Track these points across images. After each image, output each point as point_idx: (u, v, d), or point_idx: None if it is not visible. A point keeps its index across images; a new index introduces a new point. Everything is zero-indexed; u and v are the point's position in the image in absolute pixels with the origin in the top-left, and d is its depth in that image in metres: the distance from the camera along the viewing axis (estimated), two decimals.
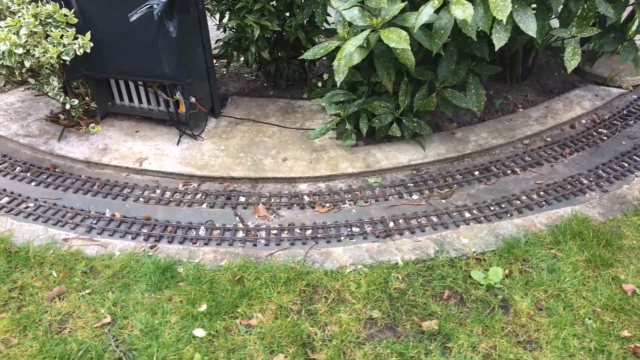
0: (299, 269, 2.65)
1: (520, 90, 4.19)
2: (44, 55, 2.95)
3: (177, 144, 3.54)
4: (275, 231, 2.96)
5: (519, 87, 4.21)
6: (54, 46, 2.95)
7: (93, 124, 3.46)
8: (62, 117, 3.84)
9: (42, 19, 2.95)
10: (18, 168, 3.44)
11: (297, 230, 2.96)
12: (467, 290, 2.53)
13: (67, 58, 3.01)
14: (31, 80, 3.27)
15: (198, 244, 2.89)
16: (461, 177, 3.32)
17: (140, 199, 3.21)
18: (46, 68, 3.19)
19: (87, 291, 2.56)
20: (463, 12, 2.43)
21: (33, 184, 3.32)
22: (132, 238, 2.91)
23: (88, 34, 3.01)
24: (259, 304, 2.48)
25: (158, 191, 3.27)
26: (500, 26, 2.53)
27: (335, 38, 3.28)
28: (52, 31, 2.97)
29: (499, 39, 2.54)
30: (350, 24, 3.15)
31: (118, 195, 3.22)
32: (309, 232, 2.95)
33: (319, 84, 3.99)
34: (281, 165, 3.37)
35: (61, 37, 2.99)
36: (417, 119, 3.38)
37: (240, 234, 2.94)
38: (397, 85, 3.25)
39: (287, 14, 3.71)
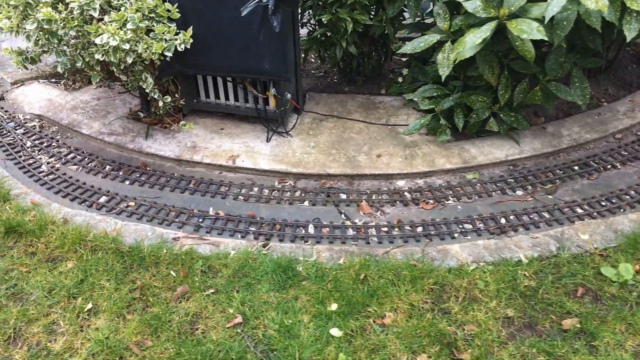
0: (421, 267, 2.60)
1: (599, 84, 4.12)
2: (146, 51, 2.90)
3: (268, 141, 3.49)
4: (385, 228, 2.91)
5: (597, 80, 4.14)
6: (158, 42, 2.90)
7: (184, 122, 3.41)
8: (142, 114, 3.79)
9: (145, 13, 2.90)
10: (108, 166, 3.40)
11: (408, 228, 2.91)
12: (601, 287, 2.47)
13: (169, 54, 2.96)
14: (123, 77, 3.22)
15: (310, 242, 2.84)
16: (562, 172, 3.26)
17: (240, 197, 3.16)
18: (139, 65, 3.15)
19: (211, 291, 2.51)
20: (596, 2, 2.37)
21: (127, 182, 3.28)
22: (242, 237, 2.87)
23: (190, 30, 2.96)
24: (389, 302, 2.43)
25: (255, 189, 3.22)
26: (631, 17, 2.47)
27: (433, 31, 3.23)
28: (154, 26, 2.91)
29: (631, 30, 2.48)
30: (450, 16, 3.10)
31: (216, 194, 3.18)
32: (419, 229, 2.89)
33: (399, 79, 3.93)
34: (376, 162, 3.32)
35: (162, 32, 2.94)
36: (514, 114, 3.33)
37: (351, 232, 2.89)
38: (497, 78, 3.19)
39: (376, 8, 3.64)
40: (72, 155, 3.49)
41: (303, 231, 2.90)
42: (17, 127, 3.76)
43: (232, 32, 3.08)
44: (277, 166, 3.30)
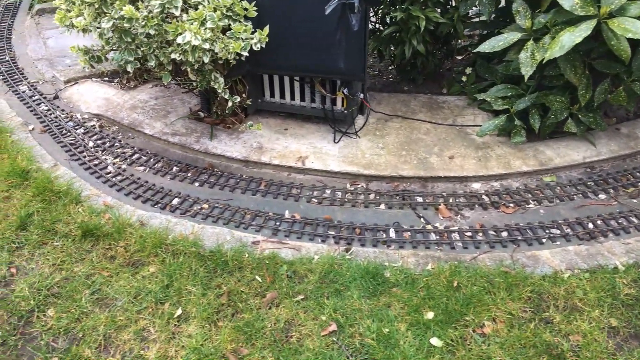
0: (514, 274, 2.52)
1: None
2: (223, 51, 2.83)
3: (336, 141, 3.42)
4: (469, 233, 2.83)
5: None
6: (235, 41, 2.83)
7: (251, 123, 3.35)
8: (202, 114, 3.73)
9: (223, 12, 2.83)
10: (175, 168, 3.34)
11: (492, 233, 2.83)
12: None
13: (245, 53, 2.89)
14: (192, 77, 3.16)
15: (393, 247, 2.76)
16: None
17: (313, 199, 3.09)
18: (209, 64, 3.08)
19: (301, 297, 2.45)
20: None
21: (197, 184, 3.22)
22: (322, 241, 2.80)
23: (266, 28, 2.89)
24: (486, 311, 2.35)
25: (328, 191, 3.15)
26: None
27: (511, 29, 3.13)
28: (232, 25, 2.84)
29: None
30: (532, 15, 3.01)
31: (288, 196, 3.11)
32: (504, 234, 2.81)
33: (464, 79, 3.84)
34: (449, 164, 3.24)
35: (240, 31, 2.87)
36: (592, 114, 3.23)
37: (433, 236, 2.82)
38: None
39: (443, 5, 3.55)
40: (136, 155, 3.44)
41: (384, 235, 2.83)
42: (77, 127, 3.71)
43: (307, 30, 3.00)
44: (347, 168, 3.23)
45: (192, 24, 2.69)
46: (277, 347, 2.23)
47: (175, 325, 2.33)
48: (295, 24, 3.01)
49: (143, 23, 2.65)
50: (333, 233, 2.84)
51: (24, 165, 3.19)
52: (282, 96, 3.55)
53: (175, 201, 3.06)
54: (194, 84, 3.23)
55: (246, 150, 3.38)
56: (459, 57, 4.41)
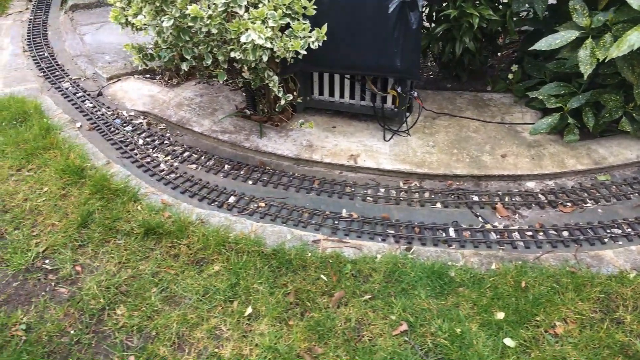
0: (581, 274, 2.52)
1: None
2: (282, 49, 2.83)
3: (387, 139, 3.42)
4: (529, 233, 2.82)
5: None
6: (294, 39, 2.83)
7: (302, 121, 3.34)
8: (248, 112, 3.73)
9: (284, 10, 2.82)
10: (227, 165, 3.35)
11: (553, 232, 2.83)
12: None
13: (303, 52, 2.88)
14: (246, 75, 3.16)
15: (454, 246, 2.76)
16: None
17: (368, 197, 3.09)
18: (263, 63, 3.07)
19: (368, 296, 2.46)
20: None
21: (250, 182, 3.23)
22: (382, 239, 2.80)
23: (324, 27, 2.88)
24: (556, 312, 2.35)
25: (382, 190, 3.15)
26: None
27: (567, 27, 3.11)
28: (291, 23, 2.84)
29: None
30: (590, 13, 2.99)
31: (343, 194, 3.11)
32: (565, 233, 2.81)
33: (510, 76, 3.82)
34: (502, 162, 3.23)
35: (299, 30, 2.86)
36: None
37: (493, 236, 2.81)
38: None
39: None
40: (187, 153, 3.45)
41: (444, 235, 2.83)
42: (124, 124, 3.73)
43: (364, 29, 2.99)
44: (400, 166, 3.22)
45: (254, 22, 2.68)
46: (350, 346, 2.24)
47: (246, 323, 2.35)
48: (352, 22, 3.00)
49: (207, 22, 2.65)
50: (392, 232, 2.85)
51: (78, 163, 3.20)
52: (331, 94, 3.54)
53: (232, 199, 3.07)
54: (238, 82, 3.23)
55: (297, 149, 3.38)
56: (499, 55, 4.38)
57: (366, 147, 3.39)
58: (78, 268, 2.62)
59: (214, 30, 2.72)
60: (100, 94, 4.07)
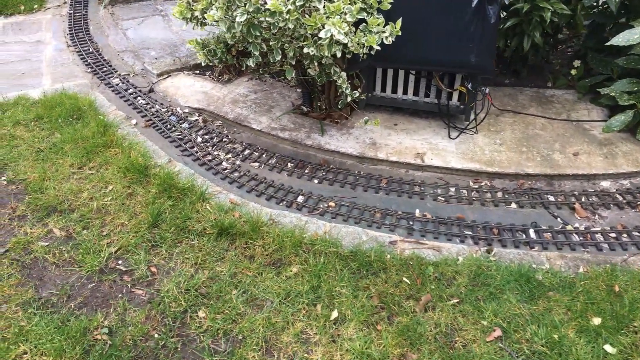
0: None
1: None
2: (356, 45, 2.75)
3: (451, 137, 3.33)
4: (612, 234, 2.74)
5: None
6: (369, 34, 2.74)
7: (367, 118, 3.26)
8: (305, 108, 3.66)
9: (360, 5, 2.74)
10: (290, 164, 3.28)
11: (636, 234, 2.74)
12: None
13: (377, 47, 2.80)
14: (312, 72, 3.08)
15: (536, 248, 2.68)
16: None
17: (439, 197, 3.02)
18: (329, 58, 2.99)
19: (455, 300, 2.38)
20: None
21: (315, 181, 3.16)
22: (461, 241, 2.73)
23: (399, 21, 2.79)
24: None
25: (452, 189, 3.07)
26: None
27: None
28: (367, 18, 2.75)
29: None
30: None
31: (413, 194, 3.04)
32: None
33: (572, 72, 3.72)
34: (575, 161, 3.14)
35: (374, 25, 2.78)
36: None
37: (575, 237, 2.73)
38: None
39: None
40: (247, 151, 3.38)
41: (524, 236, 2.75)
42: (180, 121, 3.66)
43: (439, 23, 2.91)
44: (470, 165, 3.14)
45: (329, 17, 2.60)
46: (444, 352, 2.17)
47: (333, 327, 2.28)
48: (426, 16, 2.92)
49: (286, 17, 2.57)
50: (470, 233, 2.77)
51: (141, 161, 3.14)
52: (394, 90, 3.46)
53: (300, 199, 3.00)
54: (292, 79, 3.15)
55: (360, 147, 3.31)
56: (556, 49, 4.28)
57: (431, 145, 3.31)
58: (153, 269, 2.57)
59: (291, 26, 2.64)
60: (151, 90, 4.01)
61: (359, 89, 3.32)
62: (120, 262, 2.61)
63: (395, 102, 3.49)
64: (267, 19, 2.61)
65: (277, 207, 2.96)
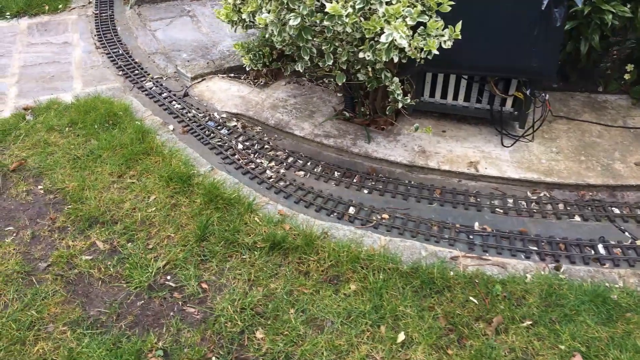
0: None
1: None
2: (414, 49, 2.60)
3: (508, 145, 3.19)
4: None
5: None
6: (428, 38, 2.60)
7: (417, 125, 3.12)
8: (347, 114, 3.52)
9: (418, 7, 2.60)
10: (336, 173, 3.14)
11: None
12: None
13: (436, 52, 2.65)
14: (361, 77, 2.95)
15: (607, 265, 2.54)
16: None
17: (497, 209, 2.87)
18: (381, 63, 2.86)
19: (528, 322, 2.24)
20: None
21: (365, 191, 3.03)
22: (526, 257, 2.58)
23: (459, 25, 2.65)
24: None
25: (510, 200, 2.93)
26: None
27: None
28: (427, 21, 2.61)
29: None
30: None
31: (469, 205, 2.90)
32: None
33: (626, 77, 3.56)
34: (637, 171, 2.99)
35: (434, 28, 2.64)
36: None
37: None
38: None
39: None
40: (291, 159, 3.25)
41: (592, 252, 2.60)
42: (219, 127, 3.54)
43: (500, 26, 2.77)
44: (527, 175, 3.00)
45: (392, 21, 2.47)
46: None
47: (400, 351, 2.15)
48: (486, 19, 2.77)
49: (346, 20, 2.43)
50: (535, 248, 2.63)
51: (184, 170, 3.02)
52: (443, 96, 3.32)
53: (351, 210, 2.87)
54: (332, 83, 3.02)
55: (409, 155, 3.17)
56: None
57: (484, 153, 3.16)
58: (204, 285, 2.45)
59: (349, 30, 2.50)
60: (186, 94, 3.88)
61: (409, 94, 3.18)
62: (169, 277, 2.49)
63: (445, 108, 3.35)
64: (324, 22, 2.48)
65: (328, 219, 2.83)
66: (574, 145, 3.19)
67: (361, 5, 2.45)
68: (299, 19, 2.57)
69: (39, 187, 3.01)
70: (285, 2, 2.57)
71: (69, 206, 2.86)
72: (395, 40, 2.43)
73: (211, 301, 2.37)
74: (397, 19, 2.51)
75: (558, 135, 3.27)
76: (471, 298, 2.35)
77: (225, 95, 3.80)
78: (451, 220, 2.80)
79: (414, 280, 2.42)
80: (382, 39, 2.44)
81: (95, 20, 5.06)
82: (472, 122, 3.44)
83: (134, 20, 5.03)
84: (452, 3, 2.62)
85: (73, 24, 5.03)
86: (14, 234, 2.71)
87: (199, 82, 4.00)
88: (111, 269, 2.51)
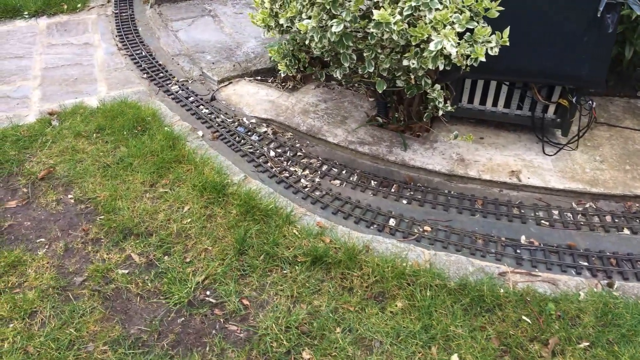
0: None
1: None
2: (458, 57, 2.51)
3: (550, 153, 3.09)
4: None
5: None
6: (475, 44, 2.51)
7: (456, 132, 3.03)
8: (380, 120, 3.43)
9: (467, 13, 2.50)
10: (373, 182, 3.06)
11: None
12: None
13: (483, 59, 2.55)
14: (400, 83, 2.85)
15: None
16: None
17: (542, 221, 2.78)
18: (421, 70, 2.76)
19: (585, 344, 2.16)
20: None
21: (404, 201, 2.94)
22: (577, 273, 2.50)
23: (506, 31, 2.55)
24: None
25: (555, 212, 2.84)
26: None
27: None
28: (475, 27, 2.51)
29: None
30: None
31: (513, 217, 2.80)
32: None
33: None
34: None
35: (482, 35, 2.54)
36: None
37: None
38: None
39: None
40: (325, 167, 3.17)
41: None
42: (249, 133, 3.45)
43: (548, 32, 2.67)
44: (572, 185, 2.90)
45: (440, 28, 2.37)
46: None
47: None
48: (534, 24, 2.67)
49: (394, 27, 2.33)
50: (585, 264, 2.54)
51: (218, 179, 2.94)
52: (482, 102, 3.22)
53: (392, 222, 2.78)
54: (362, 87, 2.92)
55: (448, 163, 3.08)
56: None
57: (525, 161, 3.07)
58: (245, 302, 2.37)
59: (395, 37, 2.40)
60: (213, 99, 3.80)
61: (448, 101, 3.08)
62: (208, 293, 2.42)
63: (483, 115, 3.25)
64: (370, 29, 2.38)
65: (369, 232, 2.74)
66: (618, 153, 3.09)
67: (409, 12, 2.35)
68: (341, 26, 2.48)
69: (69, 196, 2.94)
70: (328, 7, 2.48)
71: (102, 217, 2.79)
72: (445, 48, 2.33)
73: (254, 319, 2.30)
74: (445, 25, 2.41)
75: (600, 143, 3.17)
76: (524, 317, 2.27)
77: (253, 100, 3.71)
78: (496, 233, 2.72)
79: (463, 298, 2.34)
80: (431, 46, 2.34)
81: (116, 20, 4.97)
82: (510, 129, 3.34)
83: (155, 20, 4.94)
84: (501, 9, 2.52)
85: (93, 24, 4.95)
86: (47, 246, 2.64)
87: (225, 85, 3.91)
88: (149, 284, 2.44)
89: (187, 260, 2.56)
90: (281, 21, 2.73)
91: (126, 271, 2.50)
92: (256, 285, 2.44)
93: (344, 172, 3.12)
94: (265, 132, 3.46)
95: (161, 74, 4.09)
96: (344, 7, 2.48)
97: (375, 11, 2.33)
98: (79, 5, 5.26)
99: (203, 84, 4.00)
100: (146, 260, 2.56)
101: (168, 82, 4.00)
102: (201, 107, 3.71)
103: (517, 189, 2.97)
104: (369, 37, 2.53)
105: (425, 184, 3.05)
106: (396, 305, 2.33)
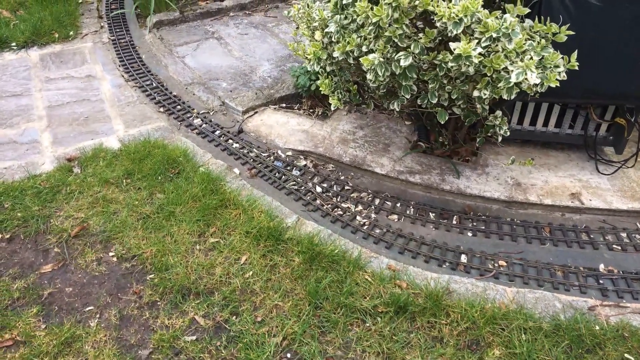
0: None
1: None
2: (527, 84, 2.40)
3: (606, 173, 3.03)
4: None
5: None
6: (545, 70, 2.40)
7: (513, 157, 2.93)
8: (422, 145, 3.31)
9: (537, 39, 2.40)
10: (431, 214, 2.93)
11: None
12: None
13: (553, 85, 2.45)
14: (457, 110, 2.73)
15: None
16: None
17: (614, 245, 2.71)
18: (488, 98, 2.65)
19: None
20: None
21: (468, 233, 2.82)
22: None
23: (574, 54, 2.46)
24: None
25: (623, 234, 2.77)
26: None
27: None
28: (540, 52, 2.41)
29: None
30: None
31: (584, 243, 2.72)
32: None
33: None
34: None
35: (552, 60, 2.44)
36: None
37: None
38: None
39: None
40: (377, 200, 3.02)
41: None
42: (288, 167, 3.27)
43: (613, 53, 2.58)
44: (634, 205, 2.85)
45: (513, 57, 2.26)
46: None
47: None
48: (598, 46, 2.59)
49: (475, 61, 2.20)
50: None
51: (271, 224, 2.75)
52: (532, 123, 3.13)
53: (463, 258, 2.66)
54: (411, 115, 2.80)
55: (505, 189, 2.98)
56: None
57: (582, 182, 3.00)
58: None
59: (472, 70, 2.28)
60: (241, 131, 3.59)
61: (505, 124, 2.98)
62: (289, 355, 2.23)
63: (533, 135, 3.17)
64: (449, 63, 2.25)
65: (442, 271, 2.61)
66: None
67: (487, 43, 2.23)
68: (409, 59, 2.34)
69: (110, 254, 2.69)
70: (395, 40, 2.33)
71: (152, 275, 2.56)
72: (527, 78, 2.21)
73: None
74: (520, 54, 2.30)
75: None
76: (626, 355, 2.18)
77: (285, 130, 3.53)
78: (572, 263, 2.63)
79: (561, 340, 2.23)
80: (512, 77, 2.23)
81: (115, 47, 4.68)
82: (558, 148, 3.27)
83: (158, 46, 4.68)
84: (571, 33, 2.42)
85: (91, 53, 4.65)
86: (98, 315, 2.40)
87: (251, 115, 3.71)
88: (223, 351, 2.24)
89: (259, 319, 2.36)
90: (335, 54, 2.56)
91: (194, 337, 2.29)
92: (340, 343, 2.27)
93: (398, 205, 2.98)
94: (306, 165, 3.28)
95: (179, 107, 3.85)
96: (411, 39, 2.34)
97: (454, 44, 2.20)
98: (71, 32, 4.94)
99: (225, 115, 3.79)
100: (213, 323, 2.35)
101: (188, 115, 3.77)
102: (230, 141, 3.50)
103: (579, 212, 2.89)
104: (437, 69, 2.39)
105: (484, 212, 2.94)
106: (494, 354, 2.20)
